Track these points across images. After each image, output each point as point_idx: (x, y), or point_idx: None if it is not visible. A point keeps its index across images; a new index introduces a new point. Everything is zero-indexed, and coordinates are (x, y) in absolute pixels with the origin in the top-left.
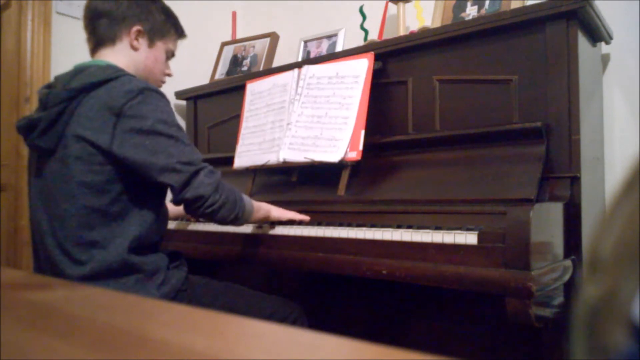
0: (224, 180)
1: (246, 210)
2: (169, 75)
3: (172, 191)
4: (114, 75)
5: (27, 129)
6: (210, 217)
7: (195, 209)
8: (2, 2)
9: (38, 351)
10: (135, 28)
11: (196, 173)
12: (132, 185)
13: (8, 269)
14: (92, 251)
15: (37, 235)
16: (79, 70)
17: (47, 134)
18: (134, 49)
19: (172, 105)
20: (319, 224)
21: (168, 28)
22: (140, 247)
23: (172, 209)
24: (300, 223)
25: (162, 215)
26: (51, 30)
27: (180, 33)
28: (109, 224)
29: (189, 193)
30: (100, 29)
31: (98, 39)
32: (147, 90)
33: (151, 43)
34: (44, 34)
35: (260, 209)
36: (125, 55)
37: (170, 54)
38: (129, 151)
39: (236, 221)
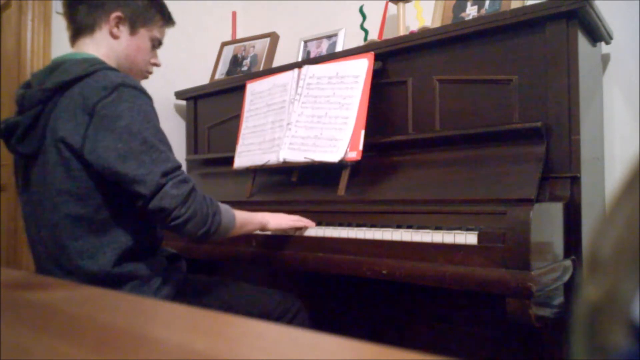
0: (226, 180)
1: (222, 225)
2: (156, 65)
3: (139, 202)
4: (89, 70)
5: (5, 133)
6: (176, 231)
7: (159, 221)
8: (2, 2)
9: (38, 351)
10: (115, 14)
11: (163, 184)
12: (118, 190)
13: (8, 269)
14: (80, 262)
15: (30, 244)
16: (55, 66)
17: (27, 139)
18: (114, 37)
19: (172, 105)
20: (319, 224)
21: (152, 14)
22: (133, 254)
23: None
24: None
25: None
26: (51, 30)
27: (167, 19)
28: (96, 233)
29: (152, 204)
30: (78, 16)
31: (76, 27)
32: (124, 87)
33: (133, 30)
34: (44, 34)
35: (252, 221)
36: (105, 44)
37: (156, 42)
38: (99, 157)
39: (208, 237)
